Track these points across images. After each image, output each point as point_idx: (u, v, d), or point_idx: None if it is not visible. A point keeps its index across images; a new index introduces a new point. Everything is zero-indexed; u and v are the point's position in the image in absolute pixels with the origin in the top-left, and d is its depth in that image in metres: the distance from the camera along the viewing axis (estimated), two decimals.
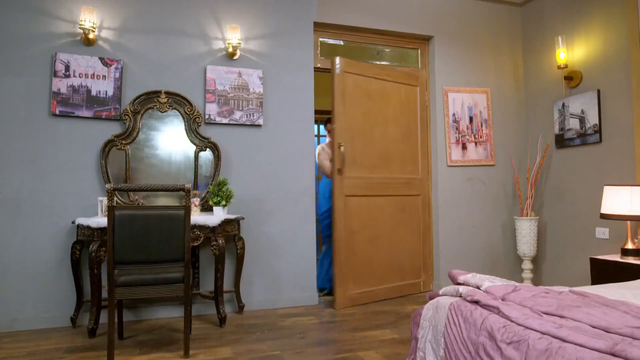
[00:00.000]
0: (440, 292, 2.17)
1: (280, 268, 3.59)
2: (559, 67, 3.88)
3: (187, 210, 2.45)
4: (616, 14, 3.52)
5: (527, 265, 4.06)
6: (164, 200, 3.30)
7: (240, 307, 3.36)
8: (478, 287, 2.05)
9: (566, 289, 2.12)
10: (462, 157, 4.19)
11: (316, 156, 3.29)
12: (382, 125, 3.79)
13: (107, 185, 2.32)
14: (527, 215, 4.06)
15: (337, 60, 3.52)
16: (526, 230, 4.02)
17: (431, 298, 2.22)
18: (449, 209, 4.14)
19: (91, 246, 2.83)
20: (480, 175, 4.25)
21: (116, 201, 3.11)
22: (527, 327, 1.60)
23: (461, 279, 2.19)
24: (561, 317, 1.62)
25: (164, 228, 2.41)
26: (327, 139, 4.14)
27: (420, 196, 4.01)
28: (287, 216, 3.62)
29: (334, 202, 3.51)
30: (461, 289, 2.04)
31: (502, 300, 1.86)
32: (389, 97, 3.86)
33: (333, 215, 3.50)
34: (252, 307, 3.46)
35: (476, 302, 1.91)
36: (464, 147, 4.20)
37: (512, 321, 1.68)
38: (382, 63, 4.18)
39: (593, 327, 1.50)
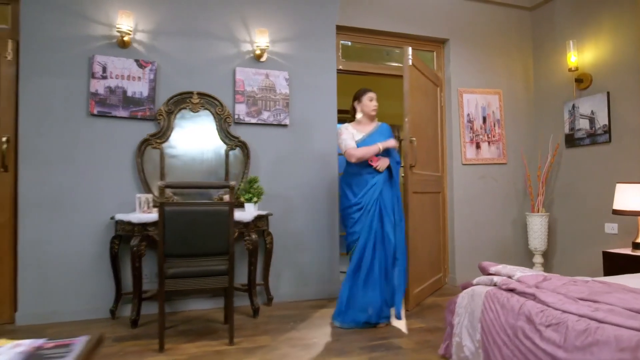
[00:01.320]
0: (474, 281, 2.33)
1: (304, 262, 3.74)
2: (569, 70, 4.06)
3: (231, 206, 2.59)
4: (625, 19, 3.70)
5: (538, 259, 4.24)
6: (196, 197, 3.44)
7: (269, 299, 3.51)
8: (510, 277, 2.21)
9: (589, 279, 2.29)
10: (476, 156, 4.36)
11: (340, 136, 3.09)
12: (425, 123, 3.82)
13: (159, 183, 2.46)
14: (538, 212, 4.25)
15: (409, 50, 3.39)
16: (537, 225, 4.21)
17: (464, 288, 2.39)
18: (463, 205, 4.31)
19: (132, 241, 2.96)
20: (493, 173, 4.43)
21: (154, 198, 3.24)
22: (564, 311, 1.77)
23: (492, 269, 2.35)
24: (595, 301, 1.79)
25: (209, 223, 2.55)
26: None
27: (440, 193, 4.17)
28: (311, 212, 3.76)
29: (404, 199, 3.32)
30: (495, 278, 2.21)
31: (536, 288, 2.03)
32: (428, 95, 3.93)
33: (405, 213, 3.26)
34: (280, 299, 3.61)
35: (511, 290, 2.07)
36: (478, 146, 4.38)
37: (549, 306, 1.84)
38: (395, 65, 4.34)
39: (626, 309, 1.67)
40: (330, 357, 2.42)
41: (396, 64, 4.37)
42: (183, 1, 3.49)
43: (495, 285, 2.20)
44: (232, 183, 2.59)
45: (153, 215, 2.99)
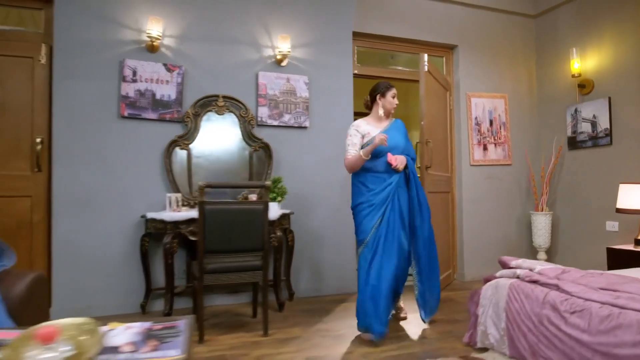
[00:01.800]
0: (497, 274, 2.51)
1: (323, 258, 3.90)
2: (573, 76, 4.28)
3: (266, 205, 2.73)
4: (626, 28, 3.92)
5: (542, 256, 4.45)
6: (220, 196, 3.57)
7: (291, 295, 3.66)
8: (531, 270, 2.40)
9: (602, 272, 2.49)
10: (483, 157, 4.56)
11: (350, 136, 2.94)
12: (437, 125, 4.01)
13: (200, 183, 2.59)
14: (542, 211, 4.46)
15: (425, 57, 3.57)
16: (541, 224, 4.42)
17: (487, 281, 2.57)
18: (471, 205, 4.50)
19: (165, 238, 3.09)
20: (499, 174, 4.63)
21: (183, 197, 3.36)
22: (587, 299, 1.95)
23: (513, 263, 2.53)
24: (615, 290, 1.97)
25: (245, 221, 2.69)
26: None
27: (449, 193, 4.35)
28: (328, 211, 3.92)
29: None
30: (518, 271, 2.39)
31: (557, 279, 2.21)
32: (439, 99, 4.13)
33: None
34: (300, 294, 3.76)
35: (534, 282, 2.25)
36: (485, 148, 4.57)
37: (572, 295, 2.03)
38: (404, 69, 4.52)
39: None
40: (362, 347, 2.58)
41: (401, 68, 4.54)
42: (209, 8, 3.62)
43: (518, 277, 2.38)
44: (268, 183, 2.74)
45: (184, 214, 3.12)
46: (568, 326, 1.95)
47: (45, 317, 1.99)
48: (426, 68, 3.56)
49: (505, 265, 2.59)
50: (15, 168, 3.20)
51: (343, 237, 3.96)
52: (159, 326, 1.26)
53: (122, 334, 1.20)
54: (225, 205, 2.71)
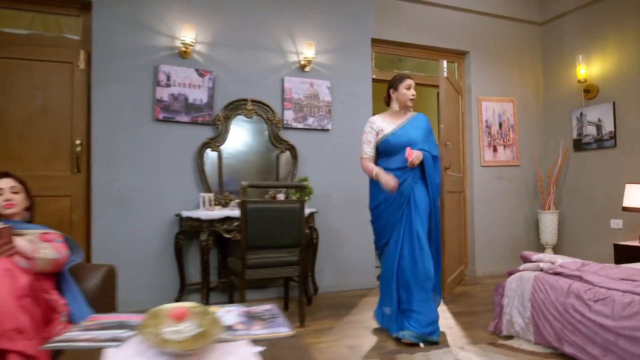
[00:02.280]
0: (521, 268, 2.71)
1: (344, 256, 4.08)
2: (579, 82, 4.50)
3: (302, 204, 2.91)
4: (630, 35, 4.15)
5: (549, 252, 4.67)
6: (255, 195, 3.73)
7: (315, 290, 3.84)
8: (553, 263, 2.60)
9: (617, 265, 2.70)
10: (493, 158, 4.77)
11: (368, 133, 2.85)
12: (451, 128, 4.20)
13: (243, 183, 2.76)
14: (549, 209, 4.68)
15: (444, 63, 3.76)
16: (549, 222, 4.64)
17: (510, 274, 2.77)
18: (482, 204, 4.71)
19: (201, 236, 3.24)
20: (507, 174, 4.85)
21: (214, 196, 3.52)
22: (609, 288, 2.16)
23: (535, 258, 2.74)
24: (634, 280, 2.18)
25: (283, 219, 2.86)
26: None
27: (461, 193, 4.56)
28: (349, 210, 4.10)
29: (441, 199, 3.40)
30: (542, 264, 2.59)
31: (579, 271, 2.42)
32: (453, 103, 4.32)
33: (442, 212, 3.27)
34: (323, 290, 3.94)
35: (558, 274, 2.46)
36: (495, 150, 4.79)
37: (595, 285, 2.23)
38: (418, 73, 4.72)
39: None
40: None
41: (408, 72, 4.73)
42: (237, 16, 3.78)
43: (541, 270, 2.58)
44: (305, 183, 2.91)
45: (220, 212, 3.28)
46: (592, 313, 2.15)
47: (114, 306, 2.15)
48: (445, 74, 3.76)
49: (526, 260, 2.79)
50: (56, 169, 3.34)
51: (363, 235, 4.14)
52: (257, 309, 1.43)
53: (224, 315, 1.37)
54: (266, 204, 2.88)
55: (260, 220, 2.80)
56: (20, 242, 1.75)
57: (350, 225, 4.10)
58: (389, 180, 2.61)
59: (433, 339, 2.57)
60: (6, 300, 1.43)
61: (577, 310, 2.23)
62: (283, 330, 1.23)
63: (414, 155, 2.63)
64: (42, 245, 1.83)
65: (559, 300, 2.34)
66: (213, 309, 1.43)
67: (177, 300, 3.45)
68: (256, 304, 1.49)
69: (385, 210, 2.79)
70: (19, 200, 2.02)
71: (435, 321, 2.63)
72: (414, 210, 2.70)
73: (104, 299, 2.00)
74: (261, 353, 1.11)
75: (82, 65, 3.39)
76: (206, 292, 3.26)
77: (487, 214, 4.74)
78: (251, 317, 1.34)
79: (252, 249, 2.81)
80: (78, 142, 3.37)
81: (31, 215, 2.11)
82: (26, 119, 3.28)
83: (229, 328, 1.26)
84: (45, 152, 3.32)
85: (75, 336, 1.19)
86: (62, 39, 3.44)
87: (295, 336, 1.26)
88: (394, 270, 2.69)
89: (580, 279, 2.32)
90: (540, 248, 4.83)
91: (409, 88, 2.79)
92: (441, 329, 2.89)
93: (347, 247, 4.09)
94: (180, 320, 1.18)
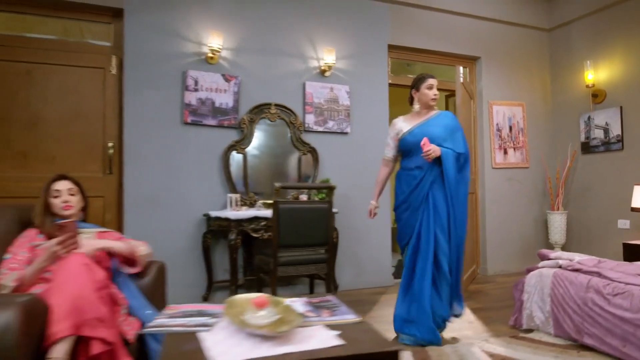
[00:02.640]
0: (540, 265, 2.86)
1: (362, 254, 4.22)
2: (587, 87, 4.66)
3: (330, 204, 3.04)
4: (637, 42, 4.31)
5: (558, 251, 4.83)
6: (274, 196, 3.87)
7: (335, 287, 3.97)
8: (570, 261, 2.75)
9: (631, 263, 2.85)
10: (504, 161, 4.93)
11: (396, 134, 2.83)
12: (465, 131, 4.36)
13: (276, 184, 2.90)
14: (557, 210, 4.84)
15: (460, 69, 3.94)
16: (558, 222, 4.80)
17: (529, 271, 2.91)
18: (493, 205, 4.86)
19: (230, 235, 3.38)
20: (517, 176, 5.00)
21: (241, 197, 3.66)
22: (627, 283, 2.30)
23: (553, 255, 2.89)
24: None
25: (312, 218, 3.00)
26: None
27: (473, 194, 4.71)
28: (366, 210, 4.23)
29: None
30: (560, 261, 2.74)
31: (597, 268, 2.56)
32: (466, 107, 4.47)
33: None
34: (343, 287, 4.08)
35: (576, 270, 2.61)
36: (505, 152, 4.94)
37: (613, 280, 2.38)
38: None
39: None
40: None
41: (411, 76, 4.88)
42: (261, 23, 3.92)
43: (560, 267, 2.73)
44: (333, 185, 3.05)
45: (248, 212, 3.42)
46: (611, 306, 2.30)
47: (165, 300, 2.28)
48: (462, 79, 3.91)
49: (544, 257, 2.94)
50: (89, 170, 3.46)
51: (380, 234, 4.29)
52: (315, 300, 1.56)
53: (295, 304, 1.50)
54: (296, 204, 3.02)
55: (291, 219, 2.93)
56: (116, 244, 1.91)
57: (368, 225, 4.23)
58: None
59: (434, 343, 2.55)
60: (88, 291, 1.56)
61: (597, 304, 2.38)
62: (351, 317, 1.36)
63: (430, 147, 2.54)
64: (134, 244, 1.99)
65: (579, 295, 2.48)
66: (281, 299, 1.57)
67: (205, 298, 3.58)
68: (319, 297, 1.63)
69: (404, 211, 2.76)
70: (76, 202, 2.15)
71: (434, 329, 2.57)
72: (432, 214, 2.64)
73: (157, 293, 2.13)
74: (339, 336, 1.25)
75: (113, 71, 3.52)
76: (235, 289, 3.39)
77: (498, 214, 4.89)
78: (317, 307, 1.48)
79: (283, 247, 2.95)
80: (110, 144, 3.50)
81: (85, 215, 2.24)
82: (61, 122, 3.40)
83: (302, 315, 1.39)
84: (79, 154, 3.45)
85: (166, 322, 1.33)
86: (94, 45, 3.57)
87: (362, 322, 1.39)
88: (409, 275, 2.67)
89: (598, 274, 2.47)
90: (549, 247, 4.97)
91: (430, 88, 2.73)
92: (462, 324, 3.03)
93: (366, 246, 4.23)
94: (261, 307, 1.31)
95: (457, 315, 2.77)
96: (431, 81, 2.74)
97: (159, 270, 2.18)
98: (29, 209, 2.14)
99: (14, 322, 1.33)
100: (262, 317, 1.29)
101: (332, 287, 3.71)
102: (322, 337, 1.21)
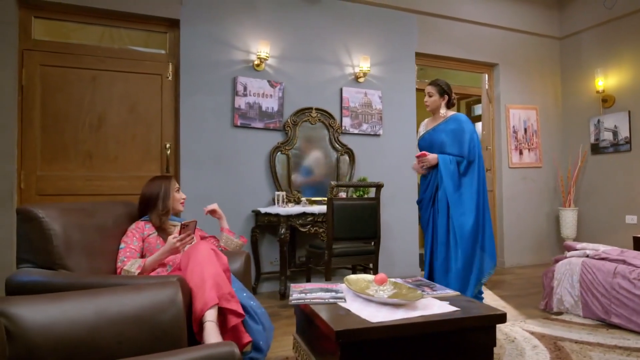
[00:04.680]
0: (568, 254, 3.20)
1: (392, 247, 4.54)
2: (597, 92, 5.03)
3: (378, 200, 3.35)
4: None
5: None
6: (310, 193, 4.17)
7: None
8: (596, 251, 3.09)
9: None
10: (519, 161, 5.28)
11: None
12: (487, 134, 4.71)
13: (332, 182, 3.20)
14: (569, 207, 5.20)
15: (486, 77, 4.27)
16: (569, 218, 5.17)
17: (557, 260, 3.25)
18: (509, 202, 5.21)
19: (280, 229, 3.66)
20: (531, 175, 5.36)
21: (286, 195, 3.95)
22: None
23: (579, 246, 3.23)
24: None
25: (362, 214, 3.30)
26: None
27: (491, 192, 5.05)
28: (397, 206, 4.56)
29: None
30: (587, 251, 3.08)
31: (621, 256, 2.91)
32: (485, 110, 4.82)
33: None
34: None
35: (603, 259, 2.95)
36: (520, 153, 5.29)
37: (638, 267, 2.72)
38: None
39: None
40: None
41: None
42: (302, 33, 4.21)
43: (587, 256, 3.07)
44: (381, 182, 3.36)
45: (297, 209, 3.71)
46: (637, 289, 2.64)
47: (250, 285, 2.56)
48: (487, 86, 4.24)
49: (571, 248, 3.28)
50: (148, 170, 3.72)
51: (408, 228, 4.61)
52: (412, 279, 1.87)
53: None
54: (349, 200, 3.33)
55: (344, 215, 3.24)
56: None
57: (397, 219, 4.56)
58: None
59: None
60: (220, 271, 1.85)
61: (623, 287, 2.72)
62: (450, 291, 1.67)
63: (420, 160, 2.93)
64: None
65: (607, 280, 2.83)
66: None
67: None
68: (408, 279, 1.93)
69: (420, 208, 3.15)
70: None
71: None
72: (438, 213, 2.95)
73: (245, 279, 2.42)
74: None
75: (170, 77, 3.79)
76: (285, 280, 3.69)
77: (514, 210, 5.24)
78: (418, 285, 1.79)
79: (337, 240, 3.25)
80: (167, 145, 3.77)
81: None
82: (122, 124, 3.66)
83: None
84: (139, 155, 3.71)
85: (305, 297, 1.62)
86: (153, 53, 3.83)
87: (460, 295, 1.70)
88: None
89: (624, 262, 2.82)
90: (561, 241, 5.34)
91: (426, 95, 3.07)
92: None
93: (395, 239, 4.55)
94: (381, 284, 1.62)
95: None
96: (427, 88, 3.04)
97: (246, 259, 2.47)
98: (133, 204, 2.44)
99: (178, 295, 1.61)
100: (386, 291, 1.59)
101: None
102: (439, 306, 1.51)
